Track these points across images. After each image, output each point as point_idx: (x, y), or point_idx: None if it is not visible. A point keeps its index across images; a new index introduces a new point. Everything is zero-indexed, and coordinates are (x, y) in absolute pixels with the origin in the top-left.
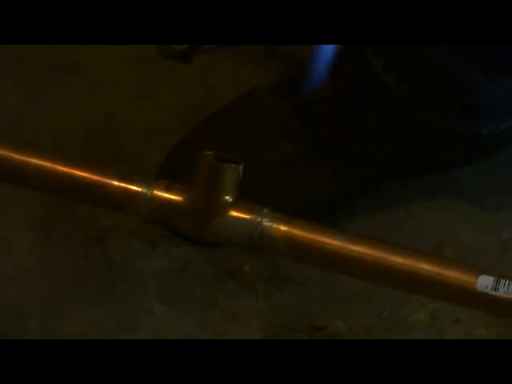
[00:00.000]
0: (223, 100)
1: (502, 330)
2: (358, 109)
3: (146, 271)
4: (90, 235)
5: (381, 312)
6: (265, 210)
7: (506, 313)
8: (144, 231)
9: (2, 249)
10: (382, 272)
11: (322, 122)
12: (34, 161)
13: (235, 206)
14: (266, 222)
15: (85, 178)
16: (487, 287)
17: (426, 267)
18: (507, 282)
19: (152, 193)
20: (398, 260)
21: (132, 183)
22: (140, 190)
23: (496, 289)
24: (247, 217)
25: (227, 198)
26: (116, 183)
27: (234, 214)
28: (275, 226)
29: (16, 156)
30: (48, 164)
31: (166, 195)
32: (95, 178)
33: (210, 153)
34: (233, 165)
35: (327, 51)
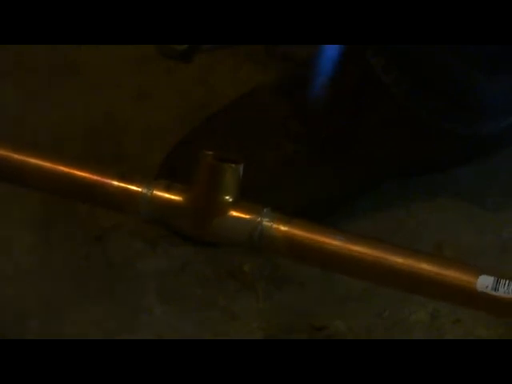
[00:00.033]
0: (223, 100)
1: (502, 329)
2: (358, 109)
3: (146, 271)
4: (90, 235)
5: (381, 312)
6: (265, 210)
7: (506, 313)
8: (144, 231)
9: (2, 249)
10: (382, 272)
11: (322, 122)
12: (33, 161)
13: (235, 206)
14: (266, 222)
15: (85, 178)
16: (487, 287)
17: (426, 267)
18: (507, 282)
19: (152, 193)
20: (398, 260)
21: (132, 183)
22: (140, 190)
23: (496, 289)
24: (247, 217)
25: (227, 198)
26: (116, 183)
27: (234, 214)
28: (275, 226)
29: (16, 156)
30: (48, 164)
31: (166, 195)
32: (95, 178)
33: (210, 153)
34: (233, 165)
35: (328, 51)
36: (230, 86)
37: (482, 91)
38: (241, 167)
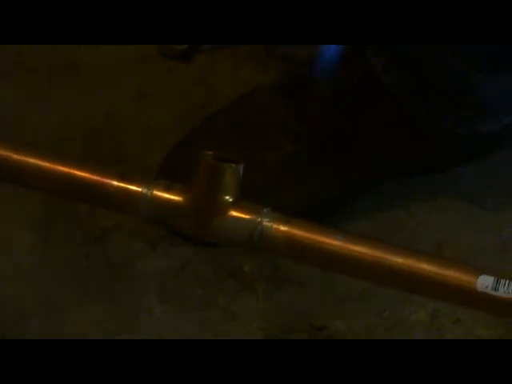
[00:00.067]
0: (223, 100)
1: (502, 330)
2: (358, 109)
3: (146, 271)
4: (90, 235)
5: (381, 312)
6: (265, 210)
7: (506, 313)
8: (144, 231)
9: (2, 249)
10: (382, 272)
11: (322, 122)
12: (33, 161)
13: (235, 206)
14: (266, 222)
15: (85, 178)
16: (487, 287)
17: (426, 267)
18: (507, 282)
19: (152, 193)
20: (398, 260)
21: (132, 183)
22: (140, 190)
23: (496, 289)
24: (247, 217)
25: (227, 198)
26: (116, 183)
27: (234, 214)
28: (275, 226)
29: (16, 156)
30: (48, 164)
31: (166, 195)
32: (95, 178)
33: (210, 153)
34: (233, 165)
35: (328, 51)
36: (230, 85)
37: (482, 91)
38: (241, 167)
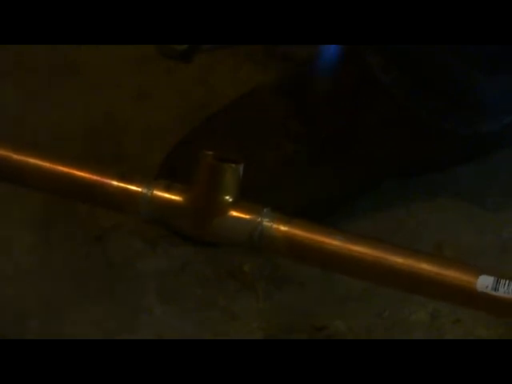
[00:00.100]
0: (223, 100)
1: (502, 330)
2: (357, 108)
3: (146, 271)
4: (90, 235)
5: (381, 312)
6: (265, 210)
7: (506, 313)
8: (144, 231)
9: (2, 249)
10: (382, 272)
11: (322, 122)
12: (33, 161)
13: (235, 205)
14: (266, 222)
15: (85, 178)
16: (487, 287)
17: (426, 267)
18: (507, 282)
19: (152, 193)
20: (398, 260)
21: (132, 183)
22: (140, 190)
23: (496, 289)
24: (247, 217)
25: (227, 197)
26: (116, 183)
27: (234, 213)
28: (275, 226)
29: (16, 156)
30: (48, 164)
31: (166, 195)
32: (95, 178)
33: (210, 153)
34: (233, 165)
35: (328, 51)
36: (230, 85)
37: (482, 91)
38: (241, 167)
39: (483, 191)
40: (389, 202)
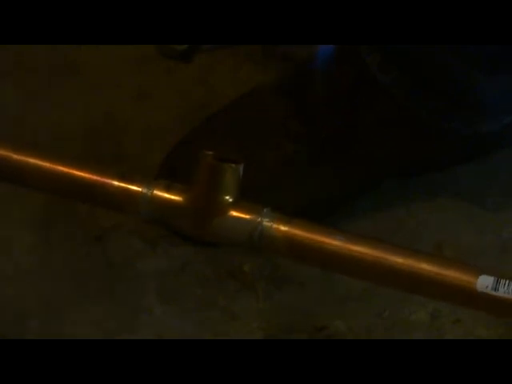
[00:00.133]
0: (223, 100)
1: (502, 329)
2: (357, 108)
3: (146, 271)
4: (90, 235)
5: (381, 312)
6: (265, 210)
7: (506, 313)
8: (144, 231)
9: (2, 249)
10: (382, 272)
11: (322, 122)
12: (33, 161)
13: (235, 205)
14: (266, 222)
15: (85, 178)
16: (487, 287)
17: (426, 267)
18: (507, 282)
19: (152, 193)
20: (398, 260)
21: (132, 183)
22: (140, 189)
23: (496, 289)
24: (247, 217)
25: (227, 197)
26: (116, 183)
27: (234, 213)
28: (275, 226)
29: (16, 156)
30: (48, 164)
31: (166, 195)
32: (95, 178)
33: (210, 153)
34: (233, 165)
35: (327, 51)
36: (230, 85)
37: (482, 91)
38: (241, 167)
39: (483, 191)
40: (389, 201)
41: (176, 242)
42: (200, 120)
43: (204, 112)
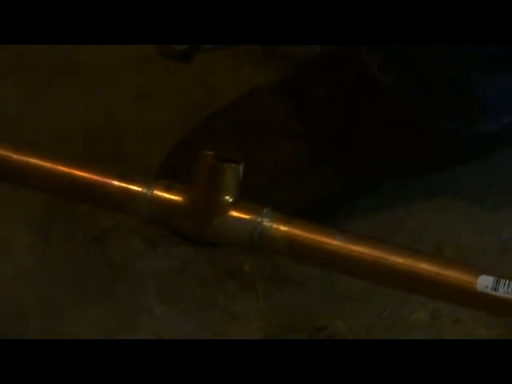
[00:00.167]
0: (223, 100)
1: (502, 329)
2: (357, 108)
3: (146, 271)
4: (90, 235)
5: (381, 312)
6: (265, 210)
7: (506, 313)
8: (144, 231)
9: (2, 249)
10: (382, 272)
11: (322, 122)
12: (33, 161)
13: (235, 205)
14: (266, 222)
15: (85, 178)
16: (487, 287)
17: (426, 267)
18: (507, 282)
19: (152, 193)
20: (398, 260)
21: (132, 183)
22: (140, 189)
23: (496, 289)
24: (247, 217)
25: (227, 197)
26: (116, 183)
27: (234, 213)
28: (275, 226)
29: (16, 156)
30: (48, 164)
31: (166, 195)
32: (95, 178)
33: (210, 153)
34: (233, 165)
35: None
36: (230, 85)
37: (482, 91)
38: (241, 167)
39: (483, 191)
40: (389, 201)
41: (176, 242)
42: (200, 120)
43: (204, 112)
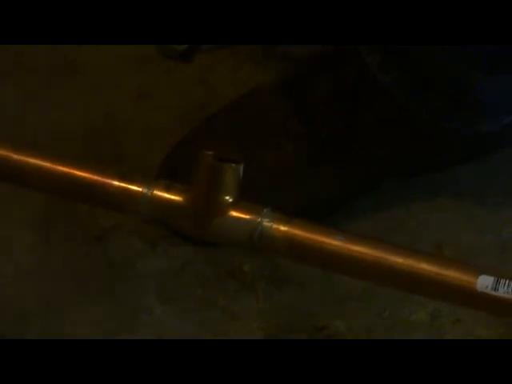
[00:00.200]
0: (223, 100)
1: (502, 329)
2: (357, 108)
3: (146, 271)
4: (90, 235)
5: (381, 312)
6: (265, 210)
7: (506, 313)
8: (144, 231)
9: (2, 249)
10: (382, 272)
11: (322, 122)
12: (33, 161)
13: (235, 205)
14: (266, 222)
15: (85, 178)
16: (487, 287)
17: (426, 267)
18: (507, 282)
19: (152, 193)
20: (398, 260)
21: (132, 183)
22: (140, 189)
23: (496, 289)
24: (247, 217)
25: (227, 197)
26: (116, 183)
27: (234, 214)
28: (275, 226)
29: (16, 156)
30: (48, 164)
31: (166, 195)
32: (95, 178)
33: (210, 153)
34: (233, 165)
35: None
36: (230, 85)
37: (482, 91)
38: (241, 167)
39: (483, 191)
40: (389, 201)
41: (176, 242)
42: (200, 120)
43: (204, 112)
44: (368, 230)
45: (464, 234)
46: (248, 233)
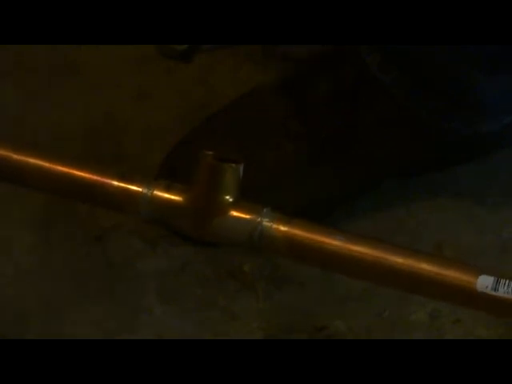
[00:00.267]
0: (223, 100)
1: (502, 329)
2: (357, 108)
3: (146, 271)
4: (90, 235)
5: (381, 312)
6: (265, 210)
7: (506, 313)
8: (144, 231)
9: (2, 249)
10: (382, 272)
11: (322, 122)
12: (33, 161)
13: (235, 205)
14: (266, 222)
15: (85, 178)
16: (487, 287)
17: (426, 267)
18: (507, 282)
19: (152, 193)
20: (398, 260)
21: (132, 183)
22: (140, 190)
23: (496, 289)
24: (247, 217)
25: (227, 197)
26: (116, 183)
27: (234, 213)
28: (275, 226)
29: (16, 156)
30: (48, 164)
31: (166, 195)
32: (95, 178)
33: (210, 153)
34: (233, 165)
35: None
36: (230, 85)
37: (482, 91)
38: (241, 167)
39: (483, 191)
40: (389, 202)
41: (176, 242)
42: (200, 120)
43: (204, 112)
44: (368, 230)
45: (464, 234)
46: (248, 233)
